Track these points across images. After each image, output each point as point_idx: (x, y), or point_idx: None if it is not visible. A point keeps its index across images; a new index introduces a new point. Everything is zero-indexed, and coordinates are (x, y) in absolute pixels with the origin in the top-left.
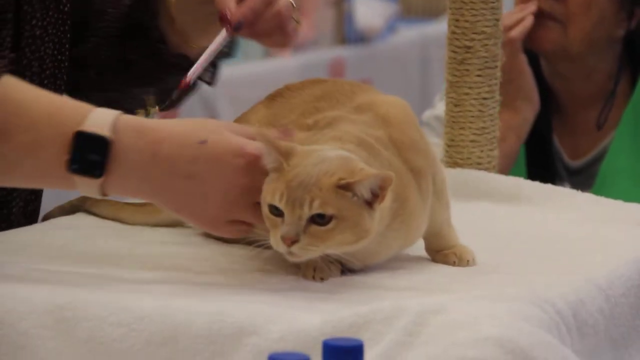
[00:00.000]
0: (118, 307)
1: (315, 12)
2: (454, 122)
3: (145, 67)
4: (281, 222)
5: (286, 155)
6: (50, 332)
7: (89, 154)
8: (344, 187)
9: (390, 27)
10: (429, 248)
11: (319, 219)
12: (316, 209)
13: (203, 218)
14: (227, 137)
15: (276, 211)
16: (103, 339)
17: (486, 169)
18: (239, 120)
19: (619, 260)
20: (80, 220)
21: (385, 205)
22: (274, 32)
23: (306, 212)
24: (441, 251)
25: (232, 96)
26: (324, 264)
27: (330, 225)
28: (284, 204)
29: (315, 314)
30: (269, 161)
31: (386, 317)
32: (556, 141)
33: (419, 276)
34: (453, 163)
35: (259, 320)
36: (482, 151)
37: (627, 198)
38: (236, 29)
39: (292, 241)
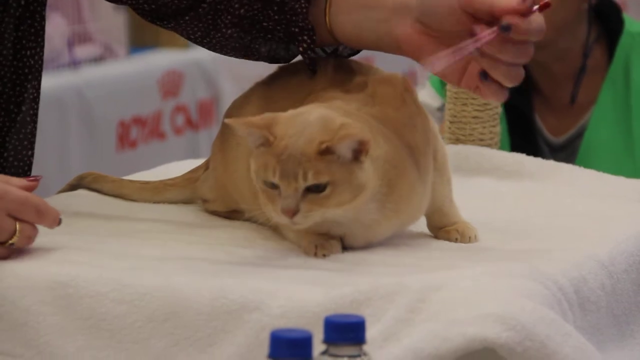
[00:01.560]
0: (120, 284)
1: None
2: (456, 98)
3: (280, 40)
4: (278, 195)
5: (268, 127)
6: (52, 308)
7: None
8: (326, 152)
9: None
10: (431, 225)
11: (315, 188)
12: (311, 180)
13: None
14: None
15: (272, 184)
16: (105, 315)
17: (488, 145)
18: (236, 101)
19: (621, 236)
20: (82, 196)
21: (377, 154)
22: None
23: (301, 184)
24: (443, 228)
25: (234, 74)
26: (325, 240)
27: (327, 191)
28: (278, 178)
29: (317, 291)
30: (253, 140)
31: (387, 294)
32: (537, 119)
33: (420, 253)
34: (455, 139)
35: (261, 296)
36: (484, 127)
37: (610, 171)
38: (504, 29)
39: (293, 213)
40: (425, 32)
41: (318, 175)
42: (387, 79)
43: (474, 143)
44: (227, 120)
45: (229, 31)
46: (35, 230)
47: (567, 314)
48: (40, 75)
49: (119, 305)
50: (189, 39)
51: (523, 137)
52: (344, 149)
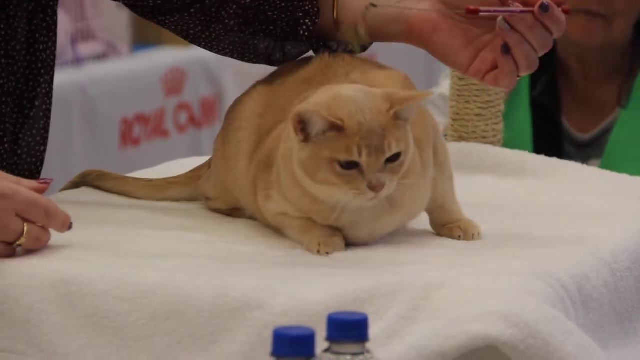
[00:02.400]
0: (122, 282)
1: None
2: (459, 95)
3: (284, 32)
4: (358, 173)
5: (334, 113)
6: (55, 306)
7: None
8: (396, 118)
9: None
10: (433, 222)
11: (393, 157)
12: (395, 149)
13: None
14: None
15: (347, 166)
16: (107, 313)
17: (491, 143)
18: (238, 99)
19: (624, 233)
20: (85, 194)
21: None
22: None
23: (386, 155)
24: (446, 225)
25: (237, 71)
26: (329, 238)
27: (402, 158)
28: (365, 154)
29: (319, 288)
30: (314, 129)
31: (390, 292)
32: (563, 118)
33: (423, 250)
34: (458, 137)
35: (263, 294)
36: (487, 125)
37: (636, 167)
38: (543, 8)
39: (382, 186)
40: (444, 11)
41: (399, 142)
42: (389, 74)
43: (476, 140)
44: (299, 108)
45: (232, 22)
46: (46, 233)
47: (570, 312)
48: (52, 70)
49: (121, 303)
50: (186, 35)
51: (548, 136)
52: (408, 112)
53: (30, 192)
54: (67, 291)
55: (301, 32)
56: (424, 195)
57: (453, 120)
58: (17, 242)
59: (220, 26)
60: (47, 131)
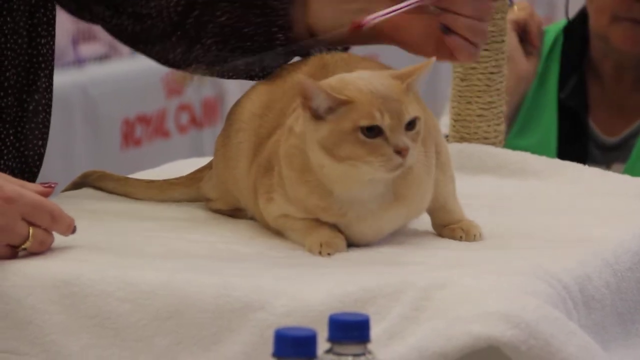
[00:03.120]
0: (124, 282)
1: None
2: (460, 96)
3: (260, 47)
4: (382, 141)
5: (339, 91)
6: (57, 307)
7: None
8: (408, 89)
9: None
10: (435, 223)
11: (410, 124)
12: (413, 113)
13: None
14: None
15: (370, 133)
16: (109, 313)
17: (493, 144)
18: (239, 100)
19: (626, 234)
20: (86, 194)
21: None
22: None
23: (406, 119)
24: (448, 226)
25: None
26: (331, 238)
27: (418, 126)
28: (389, 117)
29: (321, 289)
30: (320, 106)
31: (392, 292)
32: (590, 121)
33: (425, 251)
34: (460, 138)
35: (265, 295)
36: (489, 126)
37: None
38: None
39: (408, 149)
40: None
41: (415, 108)
42: (391, 73)
43: (478, 141)
44: (302, 78)
45: (209, 41)
46: (50, 236)
47: (572, 313)
48: (52, 65)
49: (123, 303)
50: (165, 61)
51: (573, 138)
52: (418, 83)
53: (35, 195)
54: (69, 292)
55: (277, 45)
56: (427, 190)
57: (454, 121)
58: (23, 246)
59: (199, 46)
60: (46, 126)
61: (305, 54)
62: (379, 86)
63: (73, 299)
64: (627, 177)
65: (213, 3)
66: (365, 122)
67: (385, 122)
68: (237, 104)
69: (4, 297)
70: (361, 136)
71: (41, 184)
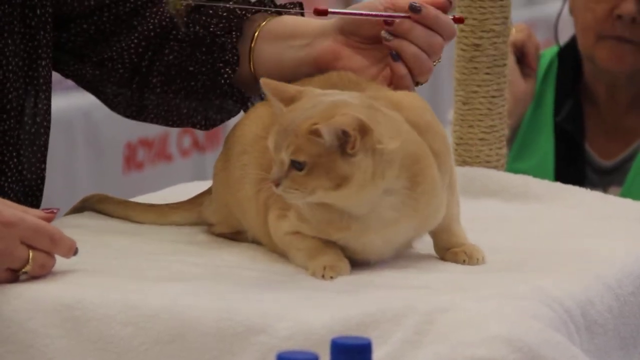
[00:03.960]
0: (126, 306)
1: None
2: (462, 120)
3: (204, 86)
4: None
5: (289, 100)
6: (59, 330)
7: None
8: (315, 133)
9: None
10: (438, 246)
11: (297, 165)
12: (291, 156)
13: None
14: None
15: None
16: (111, 337)
17: (495, 167)
18: (240, 123)
19: (627, 258)
20: (88, 218)
21: (392, 148)
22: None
23: (285, 158)
24: (451, 249)
25: None
26: (335, 262)
27: (304, 171)
28: (273, 147)
29: (323, 313)
30: (275, 109)
31: (395, 316)
32: (587, 145)
33: (428, 275)
34: (462, 161)
35: (268, 318)
36: (490, 149)
37: None
38: (413, 9)
39: (276, 184)
40: (346, 42)
41: (297, 152)
42: (404, 92)
43: (480, 165)
44: (262, 80)
45: (154, 80)
46: (51, 259)
47: (574, 337)
48: (50, 88)
49: (125, 327)
50: (124, 108)
51: (570, 162)
52: (328, 135)
53: (35, 219)
54: (71, 315)
55: (222, 81)
56: (439, 205)
57: (457, 144)
58: (23, 270)
59: (146, 87)
60: (46, 148)
61: (243, 105)
62: (303, 116)
63: (75, 323)
64: (628, 201)
65: (164, 43)
66: (268, 144)
67: (271, 149)
68: (237, 127)
69: (6, 321)
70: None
71: (43, 209)
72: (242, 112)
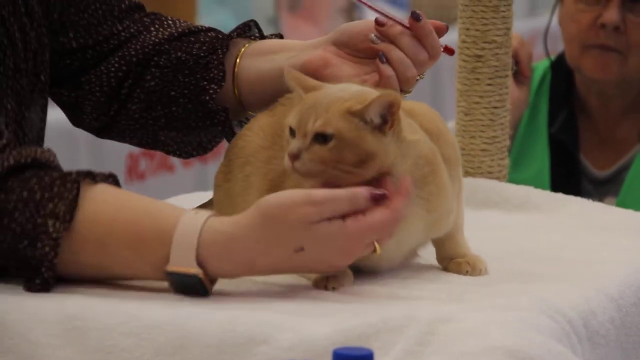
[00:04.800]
0: (128, 316)
1: (325, 19)
2: (464, 131)
3: (185, 110)
4: (291, 141)
5: (310, 89)
6: (60, 341)
7: (188, 286)
8: (354, 114)
9: None
10: (440, 256)
11: (322, 139)
12: (318, 128)
13: (327, 266)
14: (321, 234)
15: (292, 133)
16: (113, 348)
17: (497, 178)
18: (241, 134)
19: (629, 269)
20: None
21: (412, 139)
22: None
23: (310, 130)
24: (454, 259)
25: None
26: (337, 272)
27: (330, 145)
28: (296, 122)
29: (325, 323)
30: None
31: (396, 327)
32: (582, 155)
33: (430, 285)
34: (464, 172)
35: (269, 329)
36: (492, 160)
37: None
38: (414, 16)
39: (294, 157)
40: (336, 53)
41: (325, 125)
42: (419, 102)
43: (482, 176)
44: (285, 68)
45: (134, 107)
46: (380, 212)
47: (576, 348)
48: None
49: (127, 338)
50: (100, 132)
51: (565, 174)
52: (373, 113)
53: (320, 191)
54: (72, 326)
55: (206, 98)
56: (449, 209)
57: None
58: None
59: (123, 112)
60: None
61: (225, 127)
62: (330, 96)
63: (76, 333)
64: (630, 212)
65: (145, 70)
66: (287, 120)
67: (294, 124)
68: (239, 138)
69: (8, 331)
70: (286, 131)
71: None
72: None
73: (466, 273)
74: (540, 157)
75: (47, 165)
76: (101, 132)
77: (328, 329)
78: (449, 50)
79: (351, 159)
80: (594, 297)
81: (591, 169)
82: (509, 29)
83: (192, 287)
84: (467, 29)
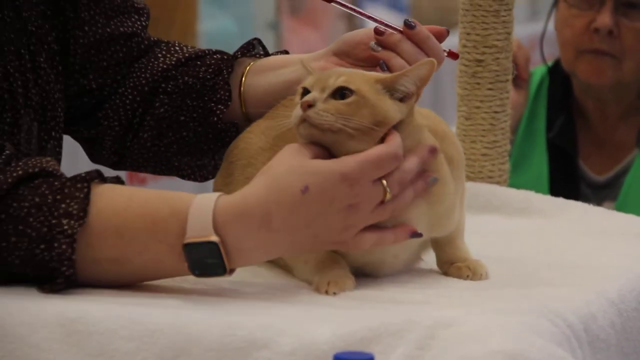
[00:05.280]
0: (129, 321)
1: (326, 24)
2: (465, 135)
3: (195, 133)
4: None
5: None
6: (62, 345)
7: (206, 259)
8: (381, 82)
9: None
10: (441, 260)
11: (343, 93)
12: (340, 82)
13: (336, 243)
14: (321, 170)
15: (304, 93)
16: (114, 352)
17: (497, 183)
18: (241, 138)
19: (630, 273)
20: None
21: (420, 123)
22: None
23: (330, 84)
24: (454, 264)
25: None
26: (339, 277)
27: (349, 99)
28: (313, 81)
29: (326, 328)
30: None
31: (397, 331)
32: (580, 160)
33: (430, 290)
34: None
35: (270, 333)
36: (493, 165)
37: None
38: (407, 25)
39: (308, 104)
40: (339, 63)
41: (348, 81)
42: (422, 109)
43: (483, 180)
44: (302, 61)
45: (145, 135)
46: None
47: (577, 352)
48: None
49: (128, 342)
50: (117, 163)
51: (564, 178)
52: (414, 78)
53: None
54: (73, 330)
55: (215, 120)
56: (451, 206)
57: None
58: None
59: (135, 141)
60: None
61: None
62: (343, 69)
63: (77, 337)
64: (631, 217)
65: (154, 97)
66: (301, 84)
67: (309, 83)
68: (240, 140)
69: (8, 335)
70: (297, 98)
71: None
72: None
73: (467, 278)
74: (539, 162)
75: (54, 173)
76: (117, 164)
77: (329, 333)
78: (453, 55)
79: (367, 118)
80: (594, 301)
81: (589, 173)
82: (509, 33)
83: (211, 260)
84: (468, 34)
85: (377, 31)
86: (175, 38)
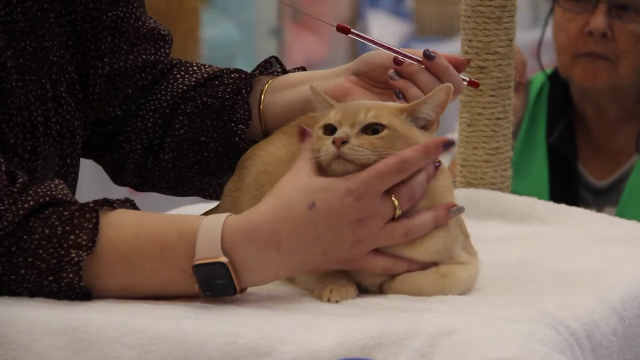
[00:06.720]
0: (131, 329)
1: (328, 31)
2: (467, 142)
3: (216, 153)
4: (330, 135)
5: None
6: (64, 353)
7: (216, 280)
8: (404, 111)
9: (404, 46)
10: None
11: (372, 131)
12: (371, 119)
13: (347, 261)
14: (326, 186)
15: (329, 129)
16: None
17: (500, 189)
18: (258, 146)
19: (633, 280)
20: None
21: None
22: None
23: (360, 120)
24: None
25: None
26: (342, 286)
27: (382, 134)
28: (339, 117)
29: (328, 336)
30: (320, 109)
31: (399, 339)
32: (580, 165)
33: (432, 298)
34: (466, 183)
35: (272, 341)
36: (495, 171)
37: None
38: (427, 56)
39: (342, 141)
40: (357, 82)
41: (379, 116)
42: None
43: (485, 187)
44: (311, 87)
45: (166, 157)
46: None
47: (579, 359)
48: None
49: (129, 350)
50: (141, 186)
51: (564, 184)
52: (431, 107)
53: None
54: (75, 338)
55: (236, 140)
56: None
57: (461, 166)
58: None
59: (156, 162)
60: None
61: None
62: (365, 102)
63: (79, 345)
64: (634, 223)
65: (174, 118)
66: (324, 121)
67: (336, 119)
68: (258, 147)
69: (11, 343)
70: (320, 132)
71: None
72: None
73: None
74: (539, 168)
75: (64, 200)
76: (140, 186)
77: (331, 341)
78: (473, 84)
79: (401, 149)
80: (597, 308)
81: (590, 178)
82: (511, 40)
83: (220, 280)
84: (470, 41)
85: (396, 61)
86: (178, 45)
